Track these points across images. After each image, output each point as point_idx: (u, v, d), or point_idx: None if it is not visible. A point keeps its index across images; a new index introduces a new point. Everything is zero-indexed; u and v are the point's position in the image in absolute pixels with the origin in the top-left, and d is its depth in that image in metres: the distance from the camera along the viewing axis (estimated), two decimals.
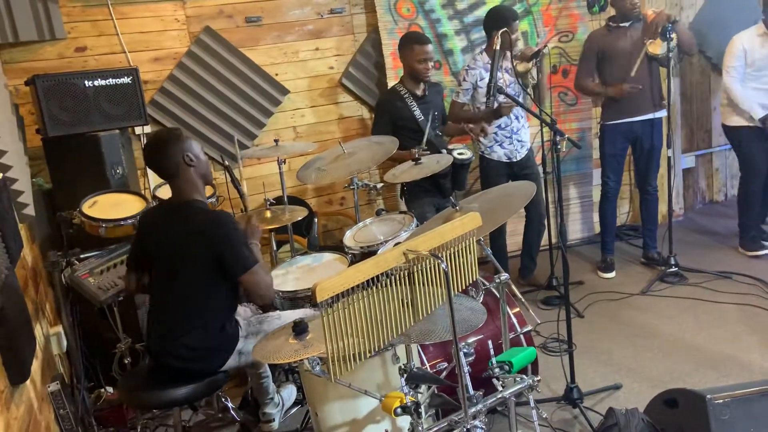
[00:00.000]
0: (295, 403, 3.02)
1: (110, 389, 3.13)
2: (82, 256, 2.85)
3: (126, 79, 3.26)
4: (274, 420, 2.79)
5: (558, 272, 4.07)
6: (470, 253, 1.74)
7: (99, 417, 2.96)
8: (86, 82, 3.15)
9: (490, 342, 2.13)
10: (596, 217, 4.72)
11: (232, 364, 2.37)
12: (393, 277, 1.59)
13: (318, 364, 1.68)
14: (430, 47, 3.52)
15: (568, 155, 4.69)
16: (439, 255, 1.59)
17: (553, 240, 4.26)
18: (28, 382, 2.24)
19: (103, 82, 3.19)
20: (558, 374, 2.96)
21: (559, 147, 2.58)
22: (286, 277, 2.81)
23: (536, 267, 4.27)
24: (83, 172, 3.14)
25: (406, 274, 1.61)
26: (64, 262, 2.79)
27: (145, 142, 2.41)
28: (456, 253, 1.71)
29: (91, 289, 2.62)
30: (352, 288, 1.50)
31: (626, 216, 5.19)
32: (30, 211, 2.83)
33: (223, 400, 2.97)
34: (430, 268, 1.65)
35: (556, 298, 3.98)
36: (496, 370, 1.81)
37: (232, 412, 2.94)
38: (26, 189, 2.82)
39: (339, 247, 3.03)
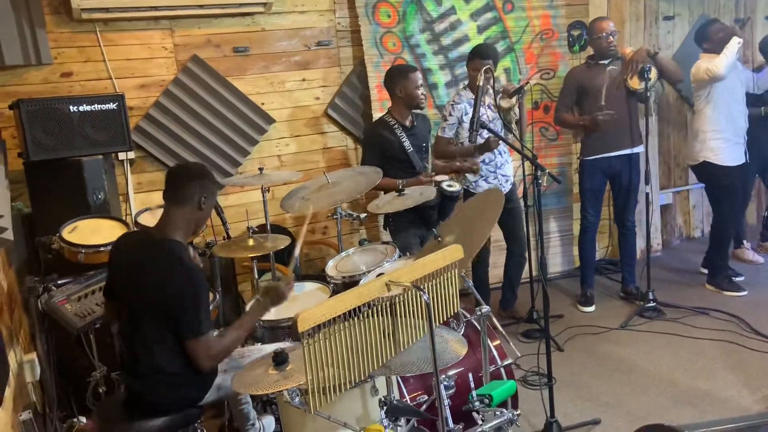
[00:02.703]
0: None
1: (83, 419, 3.05)
2: (59, 282, 2.81)
3: (111, 105, 3.26)
4: None
5: (538, 305, 4.09)
6: (452, 285, 1.75)
7: None
8: (71, 107, 3.14)
9: (470, 375, 2.13)
10: (576, 251, 4.77)
11: (211, 398, 2.32)
12: (375, 308, 1.59)
13: (297, 395, 1.67)
14: (419, 74, 3.60)
15: (548, 189, 4.76)
16: (421, 287, 1.60)
17: (534, 273, 4.29)
18: (0, 410, 2.19)
19: (88, 108, 3.19)
20: (538, 408, 2.96)
21: (540, 181, 2.62)
22: None
23: (517, 299, 4.29)
24: (64, 197, 3.12)
25: (388, 306, 1.62)
26: (41, 288, 2.75)
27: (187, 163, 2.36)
28: (438, 285, 1.72)
29: (67, 315, 2.58)
30: (334, 318, 1.50)
31: (606, 250, 5.26)
32: (8, 235, 2.79)
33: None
34: (412, 299, 1.65)
35: (536, 331, 3.99)
36: (476, 403, 1.81)
37: None
38: (5, 213, 2.79)
39: (321, 276, 3.03)
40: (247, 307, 2.41)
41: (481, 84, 2.61)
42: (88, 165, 3.16)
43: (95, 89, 3.74)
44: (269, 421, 2.87)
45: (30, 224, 3.27)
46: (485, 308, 2.08)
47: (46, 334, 2.82)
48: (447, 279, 1.74)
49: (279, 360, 1.70)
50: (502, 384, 1.88)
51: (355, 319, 1.55)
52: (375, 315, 1.60)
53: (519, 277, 4.22)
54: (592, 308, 4.32)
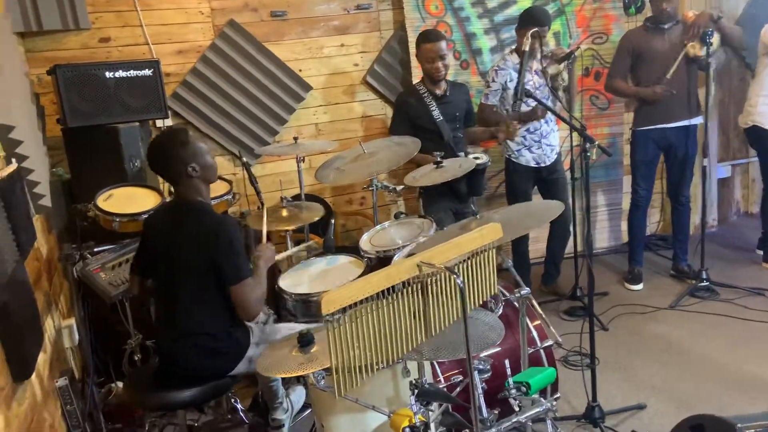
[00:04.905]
0: (305, 406, 2.94)
1: (121, 384, 3.09)
2: (95, 249, 2.81)
3: (147, 71, 3.22)
4: (283, 426, 2.71)
5: (582, 282, 3.92)
6: (489, 266, 1.64)
7: (107, 413, 2.92)
8: (107, 73, 3.11)
9: (507, 358, 2.02)
10: (624, 226, 4.57)
11: (242, 369, 2.31)
12: (405, 290, 1.50)
13: (323, 378, 1.60)
14: (440, 44, 3.42)
15: (597, 161, 4.54)
16: (455, 268, 1.50)
17: (579, 247, 4.11)
18: (33, 377, 2.21)
19: (124, 74, 3.15)
20: (579, 390, 2.84)
21: (588, 154, 2.45)
22: (300, 280, 2.73)
23: (559, 275, 4.15)
24: (101, 164, 3.11)
25: (419, 287, 1.52)
26: (77, 255, 2.76)
27: (150, 142, 2.33)
28: (473, 266, 1.61)
29: (102, 284, 2.58)
30: (361, 300, 1.41)
31: (656, 225, 5.02)
32: (46, 201, 2.80)
33: (232, 401, 2.92)
34: (446, 280, 1.55)
35: (579, 309, 3.85)
36: (513, 391, 1.70)
37: (240, 413, 2.88)
38: (43, 179, 2.79)
39: (357, 249, 2.95)
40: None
41: (527, 49, 2.44)
42: (124, 132, 3.14)
43: (133, 55, 3.70)
44: (299, 395, 2.85)
45: (70, 190, 3.29)
46: (525, 290, 1.96)
47: (83, 301, 2.84)
48: (484, 259, 1.63)
49: (304, 341, 1.63)
50: (541, 371, 1.77)
51: (384, 300, 1.46)
52: (405, 297, 1.50)
53: (562, 251, 4.06)
54: (639, 286, 4.13)
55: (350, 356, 1.42)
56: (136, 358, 2.86)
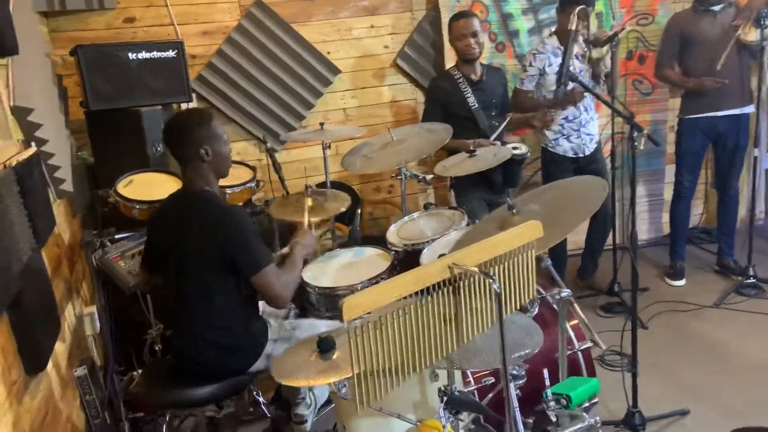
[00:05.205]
0: (328, 400, 2.85)
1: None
2: (116, 236, 2.74)
3: (171, 53, 3.11)
4: (306, 421, 2.62)
5: (622, 277, 3.74)
6: (527, 267, 1.49)
7: (128, 401, 2.87)
8: (130, 54, 3.02)
9: (546, 370, 1.86)
10: (666, 218, 4.35)
11: (260, 366, 2.22)
12: (435, 294, 1.36)
13: (344, 385, 1.49)
14: (472, 20, 3.25)
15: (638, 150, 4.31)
16: (491, 271, 1.36)
17: (617, 240, 3.92)
18: (49, 367, 2.14)
19: (147, 55, 3.06)
20: (617, 393, 2.66)
21: (636, 144, 2.27)
22: (325, 272, 2.62)
23: (597, 269, 3.97)
24: (124, 148, 3.04)
25: (450, 291, 1.38)
26: (98, 242, 2.68)
27: (172, 115, 2.23)
28: (510, 268, 1.46)
29: (121, 273, 2.50)
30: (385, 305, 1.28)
31: (699, 218, 4.78)
32: (68, 186, 2.74)
33: (254, 393, 2.84)
34: (479, 284, 1.41)
35: (617, 305, 3.67)
36: (552, 404, 1.56)
37: (263, 407, 2.80)
38: (64, 164, 2.72)
39: (384, 239, 2.82)
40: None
41: (573, 28, 2.24)
42: (147, 116, 3.05)
43: (158, 36, 3.61)
44: (322, 388, 2.74)
45: (94, 175, 3.23)
46: (565, 292, 1.82)
47: (104, 288, 2.77)
48: (522, 260, 1.48)
49: (324, 347, 1.51)
50: (583, 382, 1.62)
51: (412, 305, 1.33)
52: (435, 300, 1.36)
53: (602, 245, 3.87)
54: (682, 282, 3.93)
55: (374, 365, 1.30)
56: (157, 349, 2.79)
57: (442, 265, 1.34)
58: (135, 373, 3.02)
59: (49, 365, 2.14)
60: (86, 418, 2.53)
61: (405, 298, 1.32)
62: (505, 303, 1.43)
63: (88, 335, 2.85)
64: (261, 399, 2.81)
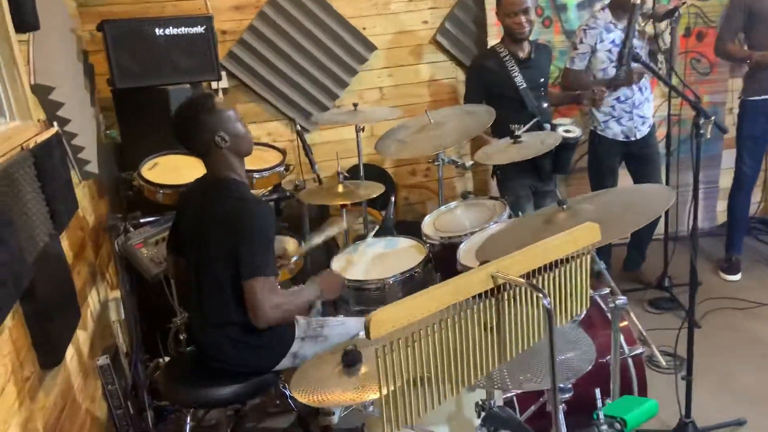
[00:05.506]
0: None
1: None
2: (141, 221, 2.64)
3: (199, 28, 2.98)
4: (333, 414, 2.51)
5: (673, 270, 3.50)
6: (580, 276, 1.31)
7: (153, 389, 2.80)
8: (157, 29, 2.90)
9: (598, 390, 1.67)
10: (721, 206, 4.09)
11: (287, 364, 2.09)
12: (475, 306, 1.20)
13: (371, 402, 1.34)
14: None
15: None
16: (540, 282, 1.18)
17: (670, 229, 3.68)
18: (68, 357, 2.07)
19: (175, 31, 2.93)
20: (666, 397, 2.45)
21: (702, 131, 2.05)
22: (354, 263, 2.48)
23: (644, 261, 3.74)
24: (151, 128, 2.93)
25: (492, 302, 1.22)
26: (122, 226, 2.59)
27: (174, 111, 2.06)
28: (562, 277, 1.29)
29: (143, 260, 2.40)
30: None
31: (757, 206, 4.46)
32: (92, 168, 2.64)
33: (281, 386, 2.74)
34: (525, 295, 1.24)
35: (666, 300, 3.44)
36: (604, 427, 1.39)
37: (289, 400, 2.70)
38: (88, 144, 2.63)
39: (419, 227, 2.65)
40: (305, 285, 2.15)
41: (638, 1, 2.00)
42: (174, 95, 2.95)
43: (188, 10, 3.49)
44: None
45: (121, 155, 3.14)
46: (621, 299, 1.63)
47: (128, 274, 2.69)
48: (576, 267, 1.30)
49: (349, 360, 1.36)
50: (639, 403, 1.44)
51: (449, 319, 1.17)
52: (474, 313, 1.20)
53: (650, 235, 3.63)
54: (738, 277, 3.68)
55: (405, 386, 1.15)
56: (182, 338, 2.71)
57: (483, 274, 1.18)
58: (161, 360, 2.95)
59: (68, 355, 2.06)
60: (108, 408, 2.47)
61: (441, 312, 1.16)
62: (556, 317, 1.26)
63: (113, 321, 2.78)
64: (287, 392, 2.70)
